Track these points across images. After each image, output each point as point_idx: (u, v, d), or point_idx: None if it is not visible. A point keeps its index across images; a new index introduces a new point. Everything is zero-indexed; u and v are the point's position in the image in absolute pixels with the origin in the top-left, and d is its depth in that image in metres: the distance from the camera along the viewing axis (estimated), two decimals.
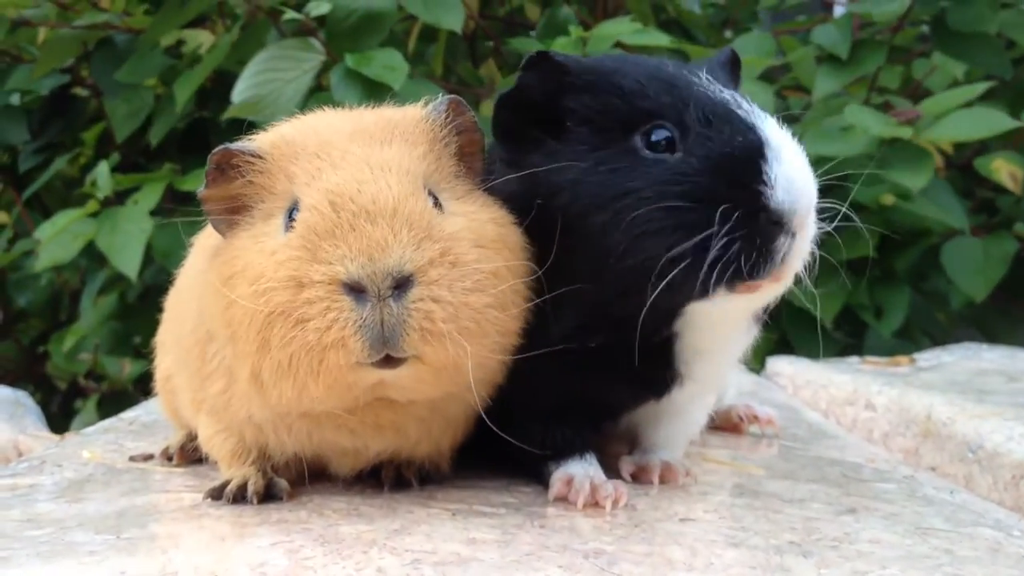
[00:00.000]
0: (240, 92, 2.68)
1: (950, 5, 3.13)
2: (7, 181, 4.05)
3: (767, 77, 3.52)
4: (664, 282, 1.19)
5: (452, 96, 1.32)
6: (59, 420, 3.73)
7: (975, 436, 1.79)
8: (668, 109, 1.26)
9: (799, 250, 1.24)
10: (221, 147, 1.26)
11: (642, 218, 1.20)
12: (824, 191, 1.31)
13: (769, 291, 1.27)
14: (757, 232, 1.20)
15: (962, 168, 3.43)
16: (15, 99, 3.84)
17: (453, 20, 2.84)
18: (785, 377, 2.61)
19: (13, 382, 3.58)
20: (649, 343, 1.28)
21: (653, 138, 1.26)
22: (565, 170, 1.27)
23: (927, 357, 2.72)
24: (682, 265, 1.18)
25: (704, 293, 1.21)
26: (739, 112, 1.26)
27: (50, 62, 3.48)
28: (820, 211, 1.30)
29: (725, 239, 1.18)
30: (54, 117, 3.89)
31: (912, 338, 3.26)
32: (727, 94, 1.29)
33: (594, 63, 1.35)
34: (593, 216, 1.23)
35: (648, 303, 1.21)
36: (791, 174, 1.21)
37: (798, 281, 1.30)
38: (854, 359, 2.73)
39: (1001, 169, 3.04)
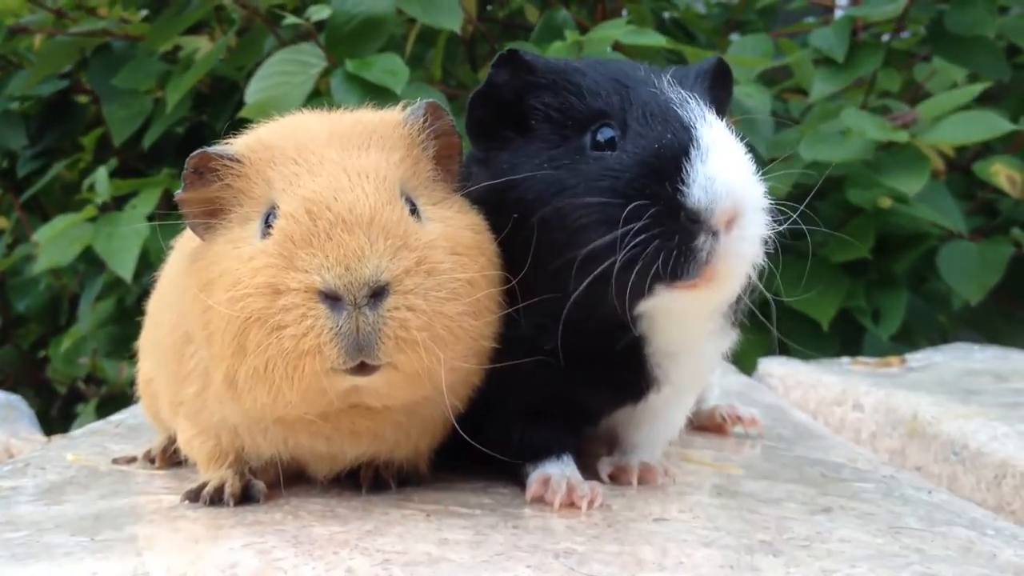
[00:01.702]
0: (252, 93, 2.72)
1: (948, 9, 3.13)
2: (6, 187, 4.07)
3: (770, 79, 3.53)
4: (587, 279, 1.20)
5: (430, 100, 1.33)
6: (59, 424, 3.75)
7: (959, 436, 1.80)
8: (615, 108, 1.29)
9: (731, 251, 1.22)
10: (199, 151, 1.27)
11: (574, 213, 1.22)
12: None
13: (712, 290, 1.26)
14: (676, 230, 1.20)
15: (963, 170, 3.43)
16: (14, 104, 3.86)
17: (451, 21, 2.86)
18: (776, 378, 2.62)
19: (12, 387, 3.61)
20: (613, 346, 1.30)
21: (598, 137, 1.28)
22: (521, 167, 1.29)
23: (918, 358, 2.72)
24: (605, 263, 1.19)
25: (637, 291, 1.21)
26: (679, 112, 1.27)
27: (46, 68, 3.51)
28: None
29: (642, 236, 1.18)
30: (53, 122, 3.91)
31: (912, 341, 3.26)
32: (675, 95, 1.30)
33: (559, 63, 1.37)
34: (538, 212, 1.25)
35: (572, 299, 1.22)
36: (713, 173, 1.20)
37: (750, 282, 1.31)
38: (845, 360, 2.74)
39: (1000, 173, 3.04)
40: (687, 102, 1.28)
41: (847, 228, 3.09)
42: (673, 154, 1.22)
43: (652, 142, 1.24)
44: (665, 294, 1.23)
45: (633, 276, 1.19)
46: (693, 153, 1.22)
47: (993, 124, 2.87)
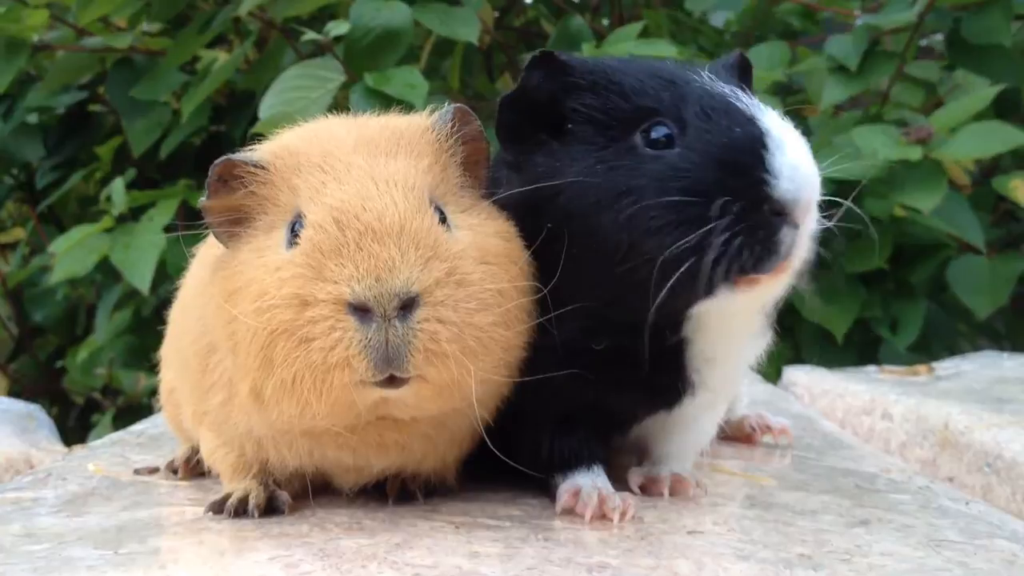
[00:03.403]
0: (267, 108, 2.71)
1: (965, 16, 3.10)
2: (23, 199, 4.08)
3: (785, 91, 3.49)
4: (670, 282, 1.17)
5: (458, 105, 1.31)
6: (76, 435, 3.74)
7: (993, 446, 1.76)
8: (667, 105, 1.26)
9: (802, 244, 1.22)
10: (223, 158, 1.24)
11: (644, 216, 1.19)
12: (835, 205, 1.29)
13: (771, 285, 1.24)
14: (760, 224, 1.18)
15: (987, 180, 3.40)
16: (32, 117, 3.86)
17: (469, 32, 2.85)
18: (802, 387, 2.59)
19: (31, 397, 3.60)
20: (659, 349, 1.26)
21: (652, 135, 1.25)
22: (566, 171, 1.26)
23: (946, 366, 2.68)
24: (687, 263, 1.17)
25: (709, 291, 1.19)
26: (738, 104, 1.25)
27: (61, 78, 3.51)
28: (827, 217, 1.29)
29: (727, 233, 1.16)
30: (71, 134, 3.92)
31: (931, 352, 3.22)
32: (726, 88, 1.28)
33: (596, 62, 1.34)
34: (595, 217, 1.22)
35: (655, 304, 1.19)
36: (795, 163, 1.19)
37: (798, 279, 1.29)
38: (872, 368, 2.70)
39: (1019, 188, 3.01)
40: (740, 94, 1.26)
41: (864, 238, 3.06)
42: (750, 147, 1.20)
43: (721, 136, 1.21)
44: (724, 293, 1.20)
45: (720, 273, 1.17)
46: (771, 144, 1.20)
47: (1008, 136, 2.84)
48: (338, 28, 2.78)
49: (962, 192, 3.25)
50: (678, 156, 1.22)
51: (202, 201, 1.26)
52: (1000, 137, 2.83)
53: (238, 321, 1.16)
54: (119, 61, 3.53)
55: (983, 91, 3.25)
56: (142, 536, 1.20)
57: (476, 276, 1.17)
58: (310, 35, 2.80)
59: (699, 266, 1.17)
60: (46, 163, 3.90)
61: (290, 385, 1.14)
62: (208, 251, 1.37)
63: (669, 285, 1.17)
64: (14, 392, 3.88)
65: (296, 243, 1.17)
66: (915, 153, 2.76)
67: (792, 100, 3.51)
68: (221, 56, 3.56)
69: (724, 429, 1.82)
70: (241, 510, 1.26)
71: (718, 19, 4.20)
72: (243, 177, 1.24)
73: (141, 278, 2.99)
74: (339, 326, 1.12)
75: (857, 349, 3.16)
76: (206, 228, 1.28)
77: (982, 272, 3.07)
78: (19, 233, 4.03)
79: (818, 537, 1.24)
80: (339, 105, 2.79)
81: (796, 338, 3.13)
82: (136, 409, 3.54)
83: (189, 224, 1.33)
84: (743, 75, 1.39)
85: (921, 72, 3.34)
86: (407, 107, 1.48)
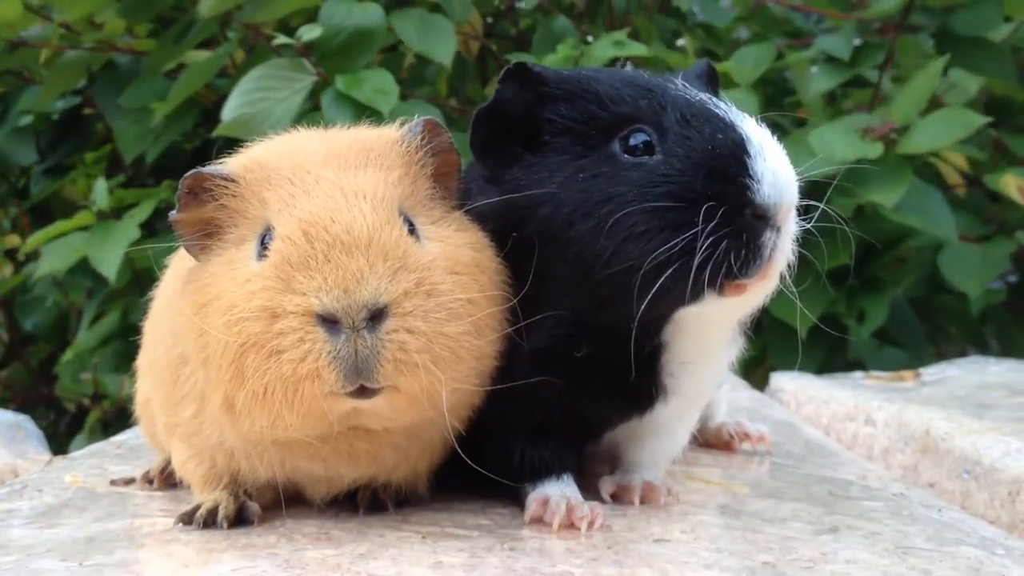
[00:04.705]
0: (230, 111, 2.67)
1: (958, 12, 3.09)
2: (18, 205, 4.08)
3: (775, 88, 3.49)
4: (655, 287, 1.18)
5: (427, 117, 1.31)
6: (69, 442, 3.73)
7: (972, 452, 1.76)
8: (645, 112, 1.27)
9: (783, 247, 1.24)
10: (193, 171, 1.25)
11: (626, 222, 1.20)
12: (808, 206, 1.31)
13: (757, 291, 1.26)
14: (743, 228, 1.19)
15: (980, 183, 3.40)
16: (25, 120, 3.86)
17: (444, 52, 2.80)
18: (788, 393, 2.59)
19: (22, 404, 3.59)
20: (638, 354, 1.27)
21: (631, 142, 1.26)
22: (545, 181, 1.27)
23: (932, 371, 2.68)
24: (672, 268, 1.18)
25: (696, 296, 1.20)
26: (717, 111, 1.27)
27: (59, 86, 3.50)
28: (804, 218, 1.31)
29: (712, 238, 1.17)
30: (64, 138, 3.91)
31: (911, 347, 3.21)
32: (704, 96, 1.30)
33: (571, 73, 1.36)
34: (577, 225, 1.23)
35: (640, 310, 1.20)
36: (776, 168, 1.21)
37: (781, 281, 1.30)
38: (858, 374, 2.70)
39: (1010, 183, 3.02)
40: (719, 101, 1.28)
41: (832, 236, 3.03)
42: (732, 152, 1.22)
43: (703, 142, 1.23)
44: (711, 299, 1.22)
45: (706, 277, 1.18)
46: (751, 150, 1.22)
47: (967, 121, 2.82)
48: (310, 32, 2.74)
49: (955, 191, 3.26)
50: (659, 162, 1.23)
51: (172, 215, 1.27)
52: (960, 123, 2.81)
53: (209, 334, 1.17)
54: (106, 65, 3.52)
55: (976, 88, 3.26)
56: (110, 548, 1.20)
57: (446, 286, 1.18)
58: (281, 39, 2.76)
59: (685, 271, 1.18)
60: (39, 167, 3.90)
61: (261, 397, 1.15)
62: (181, 262, 1.38)
63: (655, 290, 1.18)
64: (5, 399, 3.88)
65: (265, 256, 1.18)
66: (875, 150, 2.74)
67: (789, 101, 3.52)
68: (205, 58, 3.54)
69: (702, 437, 1.83)
70: (211, 521, 1.26)
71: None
72: (213, 190, 1.25)
73: (108, 267, 2.93)
74: (308, 338, 1.13)
75: (828, 346, 3.15)
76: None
77: (972, 255, 3.09)
78: (14, 240, 4.02)
79: (784, 545, 1.25)
80: (318, 109, 2.77)
81: (764, 338, 3.12)
82: (127, 414, 3.53)
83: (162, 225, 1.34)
84: (710, 84, 1.40)
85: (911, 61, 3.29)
86: (378, 117, 1.49)
